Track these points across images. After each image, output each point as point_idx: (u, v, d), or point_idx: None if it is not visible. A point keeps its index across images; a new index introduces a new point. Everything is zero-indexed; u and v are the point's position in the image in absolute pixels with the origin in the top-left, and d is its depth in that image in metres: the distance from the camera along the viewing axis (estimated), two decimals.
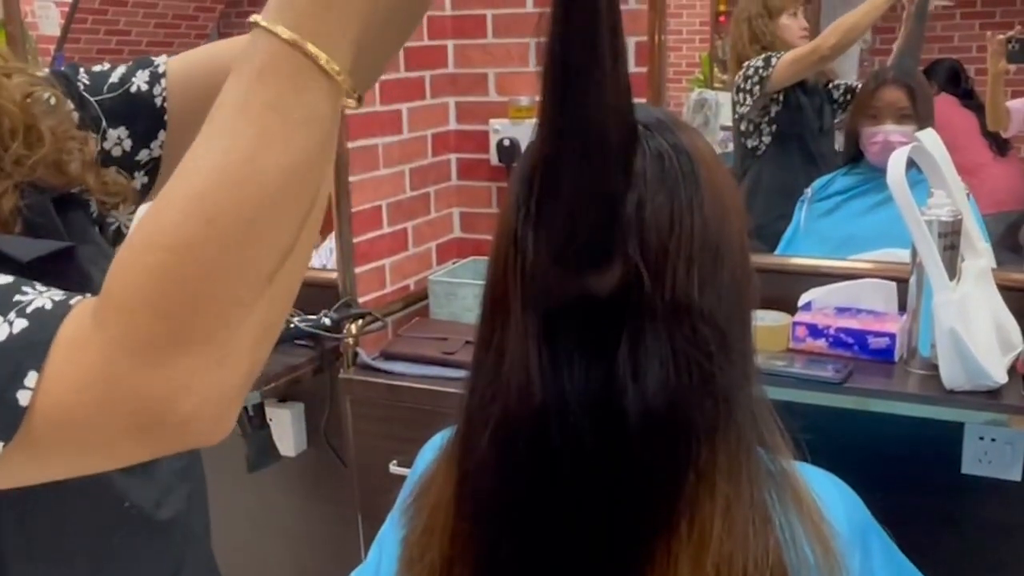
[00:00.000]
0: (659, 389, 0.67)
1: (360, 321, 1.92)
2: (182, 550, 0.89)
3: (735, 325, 0.71)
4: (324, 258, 2.28)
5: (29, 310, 0.55)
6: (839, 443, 1.17)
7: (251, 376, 0.57)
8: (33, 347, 0.53)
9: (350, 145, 1.92)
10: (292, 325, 1.86)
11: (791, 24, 2.30)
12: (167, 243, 0.52)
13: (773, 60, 2.24)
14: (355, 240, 1.98)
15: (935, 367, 1.57)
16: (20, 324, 0.55)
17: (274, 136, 0.53)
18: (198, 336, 0.53)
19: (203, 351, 0.53)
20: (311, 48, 0.53)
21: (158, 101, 0.87)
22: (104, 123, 0.85)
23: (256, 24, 0.54)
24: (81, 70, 0.87)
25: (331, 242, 2.07)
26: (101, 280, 0.63)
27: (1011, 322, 1.63)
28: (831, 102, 2.35)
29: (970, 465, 1.74)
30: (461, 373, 1.79)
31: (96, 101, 0.85)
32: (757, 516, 0.69)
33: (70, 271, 0.71)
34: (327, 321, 1.89)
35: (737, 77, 2.29)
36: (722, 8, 2.68)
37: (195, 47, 2.78)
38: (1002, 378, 1.53)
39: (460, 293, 2.05)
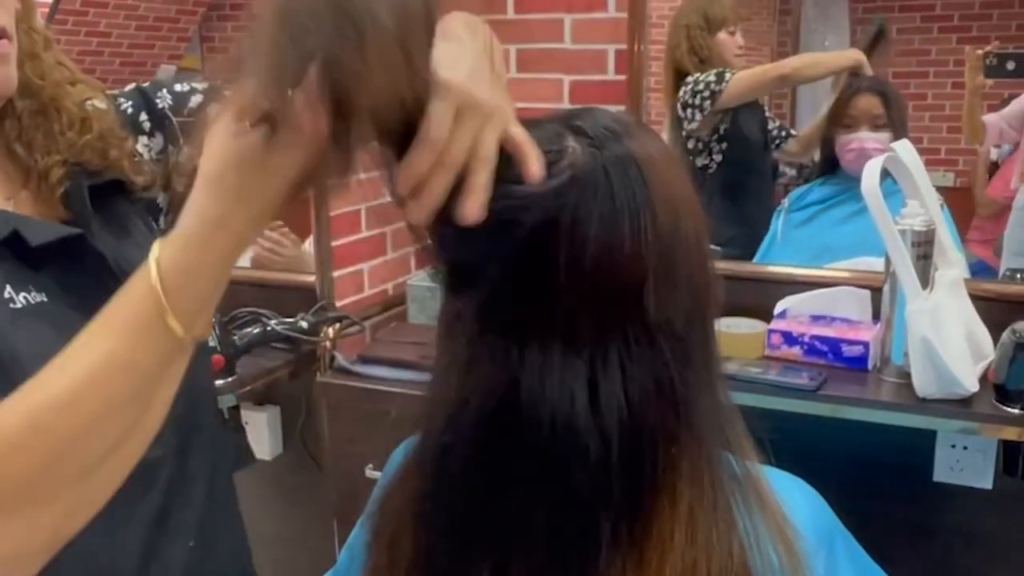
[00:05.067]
0: (618, 397, 0.68)
1: (338, 325, 1.92)
2: (173, 488, 0.94)
3: (695, 331, 0.71)
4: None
5: None
6: (812, 450, 1.18)
7: (53, 545, 0.66)
8: None
9: None
10: (269, 328, 1.86)
11: (728, 41, 2.28)
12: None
13: (727, 76, 2.21)
14: (333, 244, 1.97)
15: (908, 375, 1.59)
16: None
17: (102, 379, 0.64)
18: (8, 513, 0.62)
19: (11, 525, 0.62)
20: (172, 322, 0.63)
21: None
22: (182, 140, 1.01)
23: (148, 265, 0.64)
24: (164, 89, 1.03)
25: (309, 246, 2.07)
26: (114, 260, 0.87)
27: (983, 331, 1.64)
28: (763, 135, 2.35)
29: (942, 473, 1.76)
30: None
31: (178, 122, 1.01)
32: (721, 521, 0.69)
33: (83, 252, 0.87)
34: (304, 324, 1.88)
35: (683, 92, 2.24)
36: None
37: (176, 50, 2.74)
38: (974, 387, 1.54)
39: (438, 298, 2.05)
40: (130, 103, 1.01)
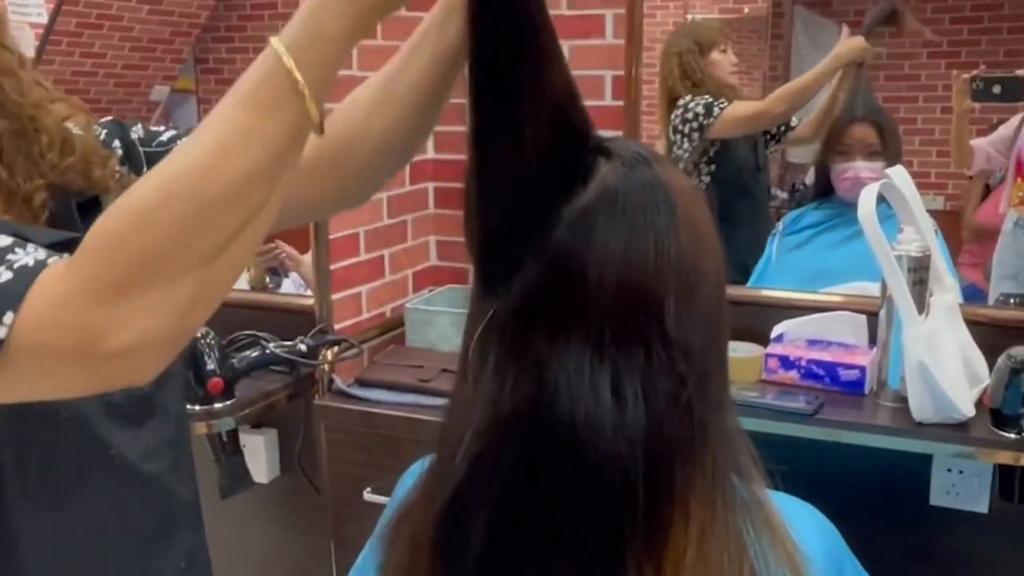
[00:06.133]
0: (637, 417, 0.69)
1: (336, 348, 1.92)
2: (169, 508, 0.97)
3: (711, 355, 0.73)
4: (297, 285, 2.29)
5: (16, 265, 0.68)
6: (809, 474, 1.18)
7: (180, 333, 0.68)
8: (11, 294, 0.66)
9: None
10: (268, 351, 1.86)
11: (721, 60, 2.31)
12: (134, 207, 0.65)
13: (715, 110, 2.23)
14: (332, 267, 1.98)
15: (904, 400, 1.60)
16: (6, 276, 0.67)
17: (238, 148, 0.66)
18: (141, 287, 0.65)
19: (143, 300, 0.65)
20: (302, 86, 0.66)
21: None
22: (145, 168, 1.01)
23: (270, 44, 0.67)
24: (139, 124, 1.05)
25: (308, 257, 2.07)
26: None
27: (978, 356, 1.66)
28: (763, 133, 2.35)
29: (938, 497, 1.77)
30: (437, 401, 1.82)
31: (144, 152, 1.02)
32: (732, 544, 0.70)
33: None
34: (303, 347, 1.88)
35: (674, 117, 2.27)
36: None
37: (170, 71, 2.75)
38: (970, 411, 1.55)
39: (436, 321, 2.06)
40: (104, 131, 1.01)
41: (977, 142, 2.25)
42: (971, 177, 2.37)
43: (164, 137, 1.04)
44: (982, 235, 2.31)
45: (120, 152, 1.01)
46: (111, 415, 0.90)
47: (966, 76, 2.14)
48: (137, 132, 1.04)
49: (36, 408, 0.76)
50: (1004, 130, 2.22)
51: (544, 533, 0.71)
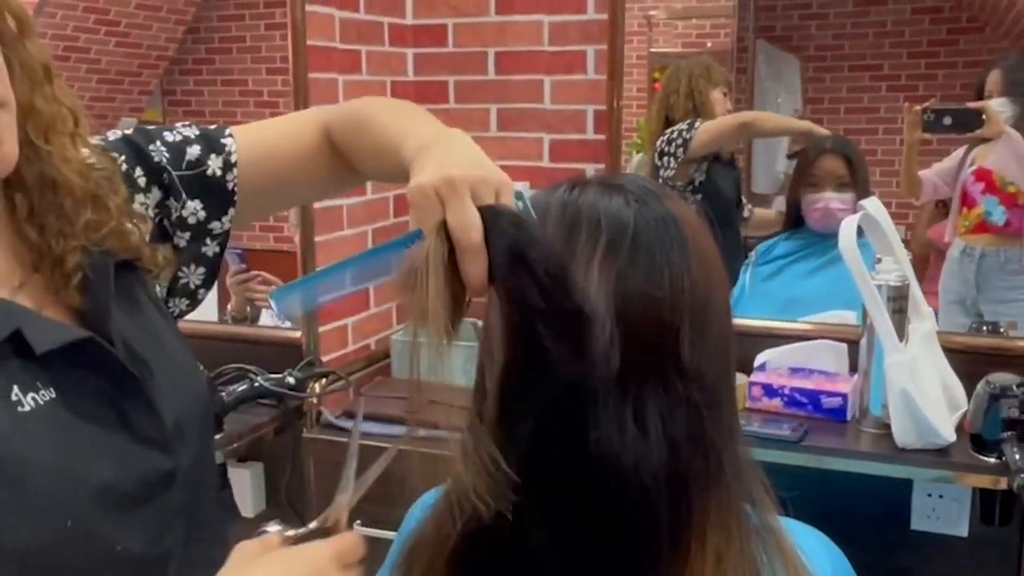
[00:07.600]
0: (659, 448, 0.70)
1: (324, 380, 1.92)
2: None
3: (722, 383, 0.74)
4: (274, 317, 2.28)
5: None
6: (790, 499, 1.21)
7: None
8: None
9: (316, 206, 1.94)
10: (256, 384, 1.85)
11: (721, 100, 2.40)
12: None
13: (696, 124, 2.33)
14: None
15: (886, 426, 1.64)
16: None
17: None
18: None
19: None
20: None
21: (230, 186, 1.00)
22: (184, 195, 0.98)
23: None
24: (158, 141, 0.98)
25: None
26: (124, 343, 0.81)
27: (956, 382, 1.71)
28: (739, 190, 2.48)
29: (919, 521, 1.81)
30: (424, 432, 1.81)
31: (177, 175, 0.97)
32: (747, 569, 0.72)
33: (92, 351, 0.79)
34: (292, 380, 1.88)
35: (660, 141, 2.35)
36: (657, 76, 2.78)
37: (138, 103, 2.71)
38: (951, 437, 1.60)
39: (424, 353, 2.06)
40: (123, 158, 0.93)
41: (925, 173, 2.30)
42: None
43: (191, 156, 0.98)
44: (930, 252, 2.37)
45: (144, 180, 0.95)
46: (116, 507, 0.80)
47: (917, 108, 2.18)
48: (160, 154, 0.97)
49: (39, 516, 0.72)
50: (949, 162, 2.27)
51: (563, 564, 0.72)
